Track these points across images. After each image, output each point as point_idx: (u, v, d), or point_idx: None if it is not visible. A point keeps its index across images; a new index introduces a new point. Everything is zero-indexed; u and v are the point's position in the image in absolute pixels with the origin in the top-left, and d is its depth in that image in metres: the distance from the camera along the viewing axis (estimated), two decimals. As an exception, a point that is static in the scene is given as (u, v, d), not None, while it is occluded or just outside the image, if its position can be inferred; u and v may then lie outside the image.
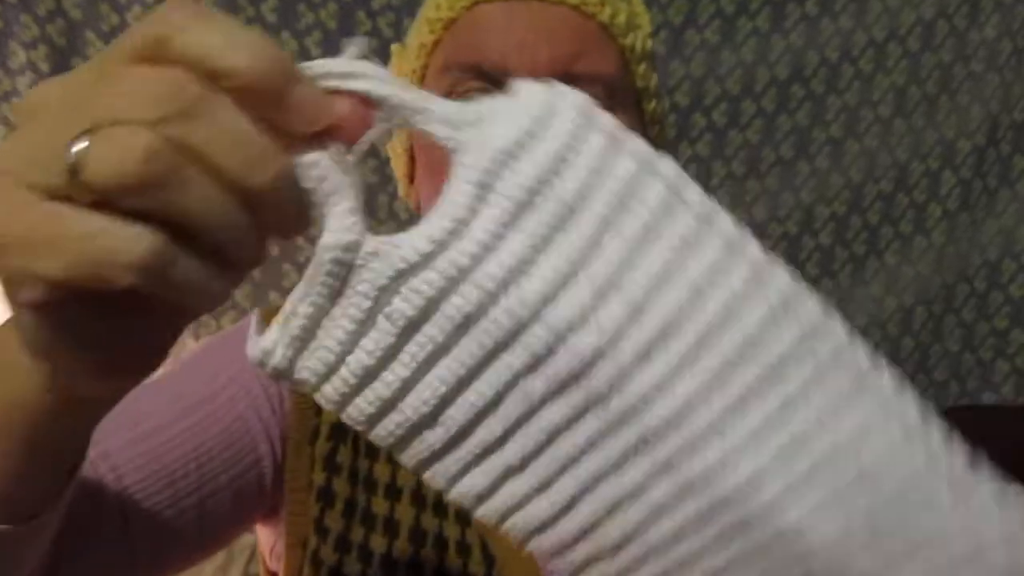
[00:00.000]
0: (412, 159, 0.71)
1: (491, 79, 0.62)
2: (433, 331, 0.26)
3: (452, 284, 0.25)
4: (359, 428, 0.28)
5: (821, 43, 1.18)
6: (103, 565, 0.52)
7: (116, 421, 0.45)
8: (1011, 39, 1.21)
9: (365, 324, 0.26)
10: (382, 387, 0.27)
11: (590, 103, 0.27)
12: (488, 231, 0.25)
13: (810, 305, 0.27)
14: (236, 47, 0.24)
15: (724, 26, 1.15)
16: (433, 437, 0.27)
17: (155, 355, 0.29)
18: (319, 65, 0.25)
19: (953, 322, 1.24)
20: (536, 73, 0.60)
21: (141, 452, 0.55)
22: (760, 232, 1.18)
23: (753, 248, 0.27)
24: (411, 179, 0.73)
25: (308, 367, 0.27)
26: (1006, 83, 1.22)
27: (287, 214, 0.25)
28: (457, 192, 0.26)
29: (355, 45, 0.25)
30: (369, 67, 0.25)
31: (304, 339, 0.26)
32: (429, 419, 0.27)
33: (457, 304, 0.25)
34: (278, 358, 0.26)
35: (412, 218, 0.72)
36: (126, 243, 0.23)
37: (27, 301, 0.25)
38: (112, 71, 0.24)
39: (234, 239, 0.25)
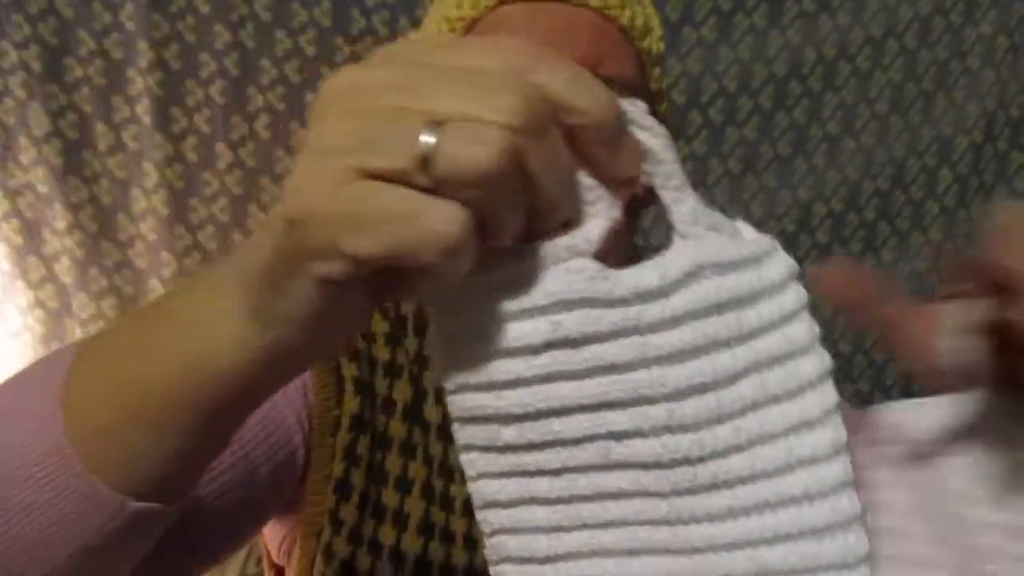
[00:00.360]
0: None
1: None
2: (575, 357, 0.27)
3: (622, 332, 0.27)
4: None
5: (818, 40, 1.18)
6: (166, 564, 0.52)
7: None
8: (1007, 35, 1.21)
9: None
10: (518, 365, 0.28)
11: (796, 269, 0.29)
12: (678, 309, 0.27)
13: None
14: (582, 87, 0.26)
15: (721, 23, 1.15)
16: (506, 433, 0.28)
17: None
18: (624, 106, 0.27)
19: (950, 319, 1.24)
20: None
21: None
22: (757, 230, 1.18)
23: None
24: None
25: None
26: (1002, 79, 1.22)
27: None
28: (674, 265, 0.27)
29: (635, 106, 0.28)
30: (656, 123, 0.27)
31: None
32: (514, 416, 0.28)
33: (613, 351, 0.27)
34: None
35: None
36: (447, 224, 0.24)
37: (328, 275, 0.26)
38: (455, 66, 0.26)
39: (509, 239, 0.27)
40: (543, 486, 0.29)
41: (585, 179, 0.27)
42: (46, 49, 0.96)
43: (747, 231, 0.29)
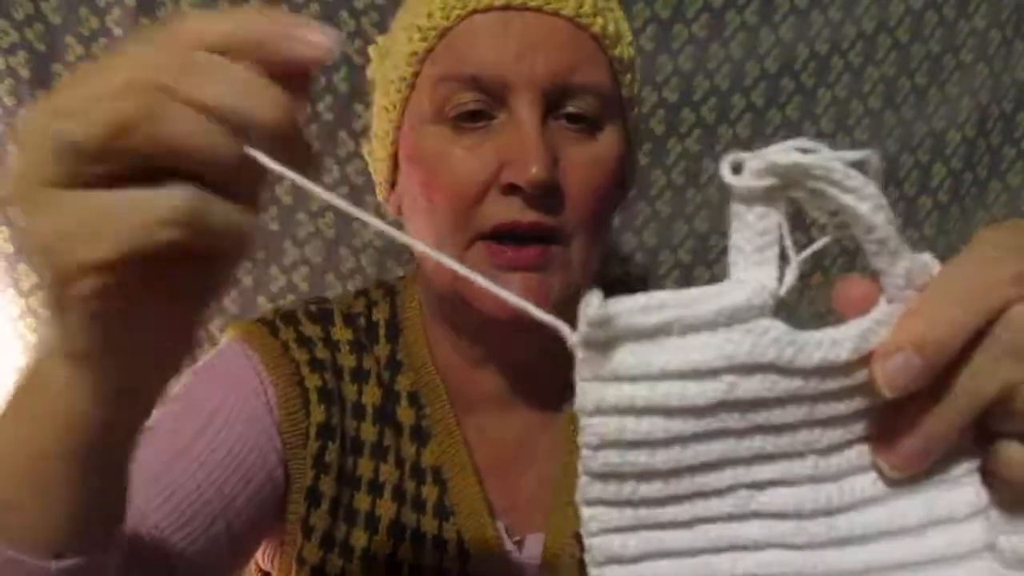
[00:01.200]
0: (395, 165, 0.70)
1: (487, 91, 0.62)
2: (740, 420, 0.26)
3: (794, 400, 0.26)
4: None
5: (811, 36, 1.18)
6: None
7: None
8: (1000, 29, 1.21)
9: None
10: (678, 425, 0.27)
11: None
12: (855, 382, 0.26)
13: None
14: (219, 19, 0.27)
15: (712, 20, 1.14)
16: (646, 488, 0.27)
17: (197, 321, 0.31)
18: (821, 166, 0.26)
19: (945, 314, 1.24)
20: (534, 84, 0.60)
21: (159, 491, 0.56)
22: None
23: None
24: (393, 184, 0.72)
25: None
26: (995, 73, 1.21)
27: (283, 138, 0.27)
28: (870, 339, 0.26)
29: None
30: (864, 182, 0.26)
31: None
32: (659, 473, 0.27)
33: (780, 415, 0.26)
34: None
35: (396, 221, 0.72)
36: (161, 200, 0.25)
37: (86, 291, 0.26)
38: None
39: (232, 166, 0.26)
40: (673, 538, 0.28)
41: (762, 238, 0.27)
42: (33, 55, 0.96)
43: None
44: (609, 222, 0.70)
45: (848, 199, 0.26)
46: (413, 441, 0.68)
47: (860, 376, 0.26)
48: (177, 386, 0.65)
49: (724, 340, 0.26)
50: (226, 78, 0.26)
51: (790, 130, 1.18)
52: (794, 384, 0.26)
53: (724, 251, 1.10)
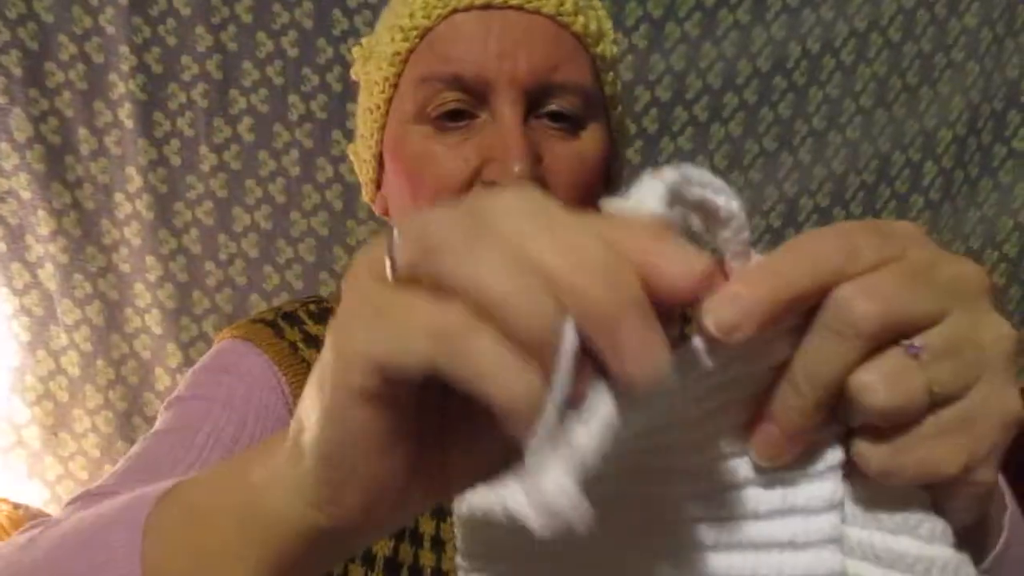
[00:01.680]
0: (380, 165, 0.70)
1: (469, 90, 0.62)
2: None
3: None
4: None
5: (803, 34, 1.18)
6: None
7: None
8: (991, 28, 1.21)
9: None
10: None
11: None
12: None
13: None
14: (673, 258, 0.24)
15: (705, 19, 1.14)
16: None
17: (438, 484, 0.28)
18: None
19: (937, 312, 1.25)
20: (516, 82, 0.60)
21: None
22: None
23: None
24: (378, 185, 0.72)
25: None
26: (986, 72, 1.22)
27: None
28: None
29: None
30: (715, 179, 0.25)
31: None
32: None
33: None
34: None
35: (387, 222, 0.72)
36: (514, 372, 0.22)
37: (363, 385, 0.24)
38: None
39: None
40: None
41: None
42: (27, 54, 0.96)
43: None
44: None
45: (719, 198, 0.25)
46: None
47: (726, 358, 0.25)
48: (181, 386, 0.64)
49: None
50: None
51: (783, 128, 1.19)
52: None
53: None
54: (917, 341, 0.24)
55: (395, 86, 0.65)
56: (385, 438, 0.26)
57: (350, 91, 1.04)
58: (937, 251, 0.25)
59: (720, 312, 0.24)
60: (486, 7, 0.61)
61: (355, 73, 0.71)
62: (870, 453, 0.25)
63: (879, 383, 0.24)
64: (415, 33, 0.62)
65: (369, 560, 0.65)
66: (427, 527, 0.66)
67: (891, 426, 0.24)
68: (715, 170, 1.16)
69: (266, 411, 0.63)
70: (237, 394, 0.61)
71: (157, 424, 0.60)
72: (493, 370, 0.22)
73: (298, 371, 0.65)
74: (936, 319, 0.24)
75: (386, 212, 0.71)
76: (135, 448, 0.57)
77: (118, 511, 0.36)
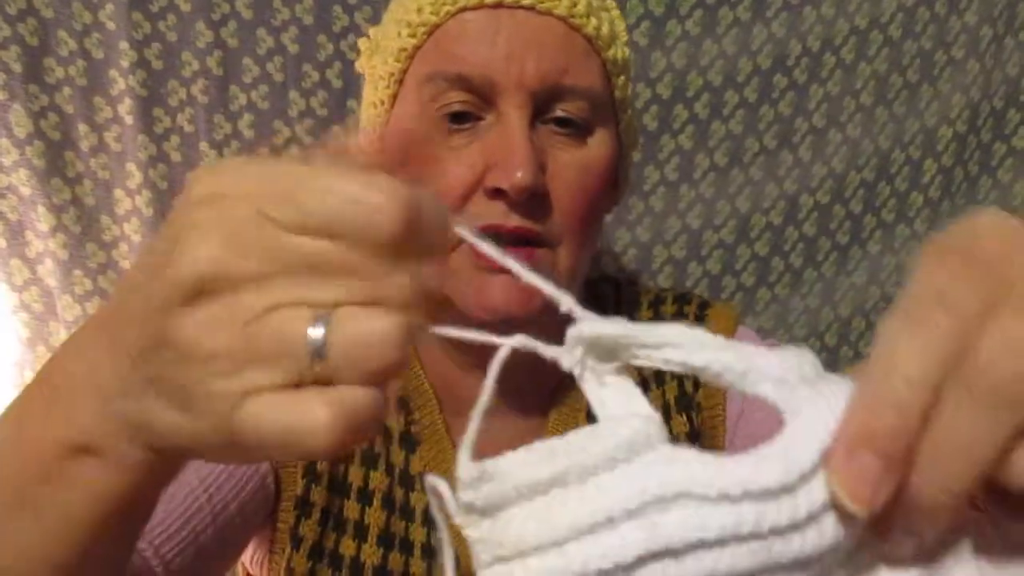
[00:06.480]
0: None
1: (475, 91, 0.61)
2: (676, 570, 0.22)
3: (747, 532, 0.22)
4: None
5: (803, 32, 1.18)
6: None
7: None
8: (991, 25, 1.21)
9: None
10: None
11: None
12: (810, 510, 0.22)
13: None
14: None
15: (706, 16, 1.14)
16: None
17: None
18: (624, 334, 0.24)
19: (936, 309, 1.24)
20: (523, 86, 0.59)
21: None
22: (744, 224, 1.18)
23: None
24: None
25: None
26: (986, 70, 1.22)
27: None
28: (800, 456, 0.22)
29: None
30: (682, 334, 0.24)
31: None
32: None
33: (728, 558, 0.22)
34: None
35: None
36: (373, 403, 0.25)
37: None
38: (314, 249, 0.25)
39: None
40: None
41: (628, 397, 0.24)
42: (26, 50, 0.95)
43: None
44: (599, 226, 0.69)
45: (675, 356, 0.23)
46: (402, 448, 0.68)
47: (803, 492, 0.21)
48: None
49: (629, 475, 0.22)
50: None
51: (783, 126, 1.19)
52: (723, 512, 0.21)
53: (717, 246, 1.09)
54: None
55: (400, 82, 0.64)
56: None
57: (351, 87, 1.04)
58: None
59: (856, 488, 0.20)
60: (497, 6, 0.60)
61: (360, 66, 0.71)
62: None
63: None
64: (423, 29, 0.62)
65: (358, 569, 0.65)
66: (418, 535, 0.66)
67: None
68: (715, 168, 1.17)
69: None
70: None
71: None
72: None
73: None
74: None
75: None
76: None
77: None
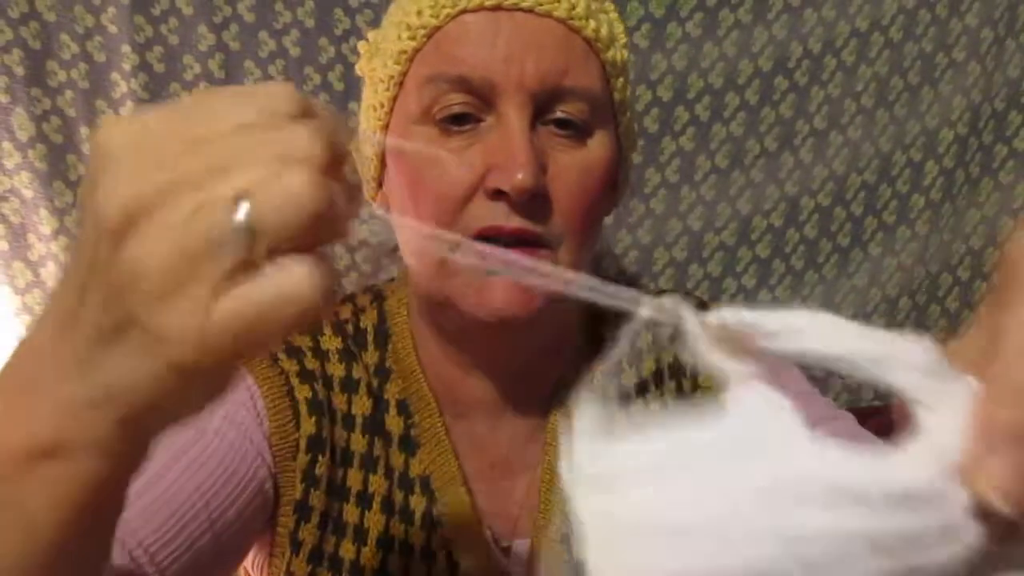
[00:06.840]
0: (383, 163, 0.70)
1: (475, 93, 0.61)
2: None
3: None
4: None
5: (804, 34, 1.18)
6: None
7: None
8: (992, 28, 1.21)
9: None
10: None
11: None
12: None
13: None
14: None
15: (706, 18, 1.15)
16: None
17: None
18: (753, 323, 0.23)
19: (937, 312, 1.25)
20: (523, 87, 0.59)
21: (147, 504, 0.55)
22: (745, 226, 1.18)
23: None
24: (379, 183, 0.72)
25: None
26: (987, 72, 1.22)
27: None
28: (944, 455, 0.21)
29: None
30: (814, 320, 0.23)
31: None
32: None
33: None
34: None
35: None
36: (306, 281, 0.26)
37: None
38: (223, 132, 0.27)
39: None
40: None
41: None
42: (28, 53, 0.96)
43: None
44: (599, 227, 0.69)
45: (811, 345, 0.23)
46: (402, 451, 0.68)
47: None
48: None
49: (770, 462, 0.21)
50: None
51: (784, 127, 1.19)
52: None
53: (718, 248, 1.09)
54: None
55: (400, 84, 0.64)
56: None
57: (352, 90, 1.04)
58: None
59: (1004, 482, 0.20)
60: (496, 8, 0.60)
61: (360, 69, 0.71)
62: None
63: None
64: (423, 32, 0.62)
65: (357, 572, 0.65)
66: (417, 538, 0.66)
67: None
68: (716, 170, 1.17)
69: (238, 427, 0.63)
70: (211, 413, 0.61)
71: None
72: None
73: (274, 382, 0.65)
74: None
75: (387, 211, 0.71)
76: None
77: None
